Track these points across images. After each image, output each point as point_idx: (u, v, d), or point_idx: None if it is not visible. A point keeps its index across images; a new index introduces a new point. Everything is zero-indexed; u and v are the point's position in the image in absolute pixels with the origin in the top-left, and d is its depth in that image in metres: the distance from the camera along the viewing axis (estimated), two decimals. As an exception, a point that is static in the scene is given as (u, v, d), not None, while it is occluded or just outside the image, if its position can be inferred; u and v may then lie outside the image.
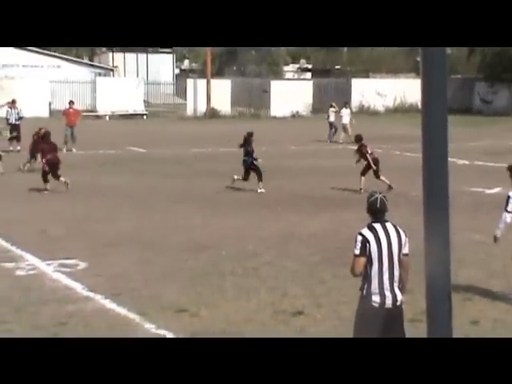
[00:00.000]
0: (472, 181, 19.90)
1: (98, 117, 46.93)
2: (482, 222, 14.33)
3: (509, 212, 9.82)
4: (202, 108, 49.15)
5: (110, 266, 11.81)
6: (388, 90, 52.48)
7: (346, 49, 76.23)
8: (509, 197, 9.85)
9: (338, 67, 70.94)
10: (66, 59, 54.16)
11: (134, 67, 66.04)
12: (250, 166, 19.33)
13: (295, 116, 49.51)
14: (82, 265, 11.92)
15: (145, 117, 48.28)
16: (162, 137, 34.97)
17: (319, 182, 20.79)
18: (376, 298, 6.59)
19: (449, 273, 2.51)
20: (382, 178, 19.04)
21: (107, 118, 47.17)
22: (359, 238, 6.65)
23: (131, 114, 47.79)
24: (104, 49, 70.86)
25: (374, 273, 6.61)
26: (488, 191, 18.64)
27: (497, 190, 19.16)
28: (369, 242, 6.59)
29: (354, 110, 53.67)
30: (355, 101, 55.24)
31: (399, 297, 6.67)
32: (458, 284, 10.48)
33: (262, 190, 19.10)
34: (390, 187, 18.34)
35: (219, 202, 17.76)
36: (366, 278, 6.67)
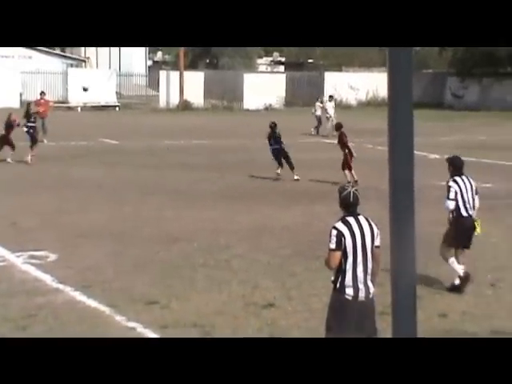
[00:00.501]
0: (442, 175, 19.93)
1: (69, 108, 46.63)
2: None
3: (450, 199, 10.16)
4: (174, 100, 49.02)
5: (80, 258, 11.75)
6: (360, 84, 52.72)
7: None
8: (449, 186, 10.24)
9: (310, 61, 71.05)
10: (38, 50, 53.70)
11: (106, 58, 65.63)
12: (281, 153, 19.84)
13: (268, 109, 49.54)
14: (52, 256, 11.85)
15: (117, 108, 48.04)
16: (134, 129, 34.83)
17: (292, 175, 20.82)
18: (350, 291, 6.64)
19: (414, 267, 2.53)
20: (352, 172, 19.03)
21: (79, 109, 46.87)
22: (334, 232, 6.67)
23: (103, 106, 47.54)
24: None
25: (348, 266, 6.65)
26: (458, 185, 18.77)
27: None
28: (344, 235, 6.63)
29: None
30: (328, 94, 55.38)
31: (371, 289, 6.72)
32: (426, 278, 10.59)
33: (298, 178, 19.64)
34: (355, 182, 17.97)
35: (192, 195, 17.75)
36: (340, 271, 6.70)
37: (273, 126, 20.33)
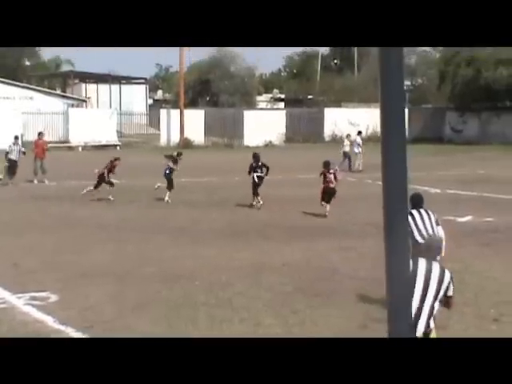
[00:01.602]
0: (444, 209, 20.00)
1: (70, 148, 46.81)
2: (452, 250, 14.44)
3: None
4: (175, 138, 49.25)
5: (82, 298, 11.72)
6: (360, 120, 52.97)
7: (318, 78, 76.84)
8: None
9: (310, 97, 71.44)
10: (39, 90, 54.11)
11: (107, 98, 66.02)
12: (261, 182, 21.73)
13: (268, 145, 49.72)
14: (54, 297, 11.83)
15: (118, 147, 48.22)
16: (135, 167, 34.88)
17: (292, 211, 20.86)
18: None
19: (410, 303, 2.55)
20: (327, 205, 19.84)
21: (80, 149, 47.06)
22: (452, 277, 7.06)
23: (104, 145, 47.72)
24: (77, 80, 70.83)
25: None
26: (459, 219, 18.80)
27: (468, 218, 19.35)
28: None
29: (326, 139, 54.12)
30: (328, 130, 55.66)
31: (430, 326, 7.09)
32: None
33: (256, 204, 21.57)
34: (327, 214, 19.62)
35: (192, 232, 17.75)
36: None
37: (257, 156, 22.01)
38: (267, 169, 21.77)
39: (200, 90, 67.45)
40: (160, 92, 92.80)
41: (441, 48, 59.53)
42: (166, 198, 22.58)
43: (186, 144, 48.42)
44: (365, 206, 19.58)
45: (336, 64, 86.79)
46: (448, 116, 55.75)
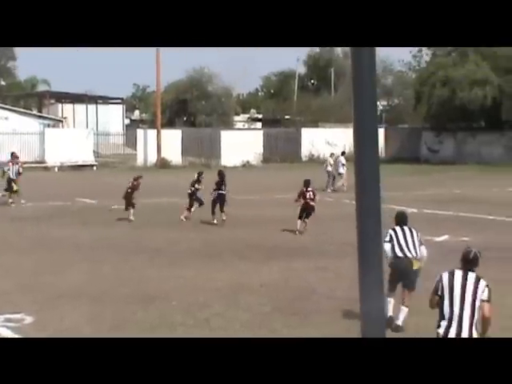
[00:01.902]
0: (420, 229, 20.06)
1: (46, 168, 46.54)
2: (429, 270, 14.47)
3: (385, 242, 11.03)
4: (152, 158, 49.13)
5: (57, 320, 11.61)
6: (337, 140, 53.19)
7: (295, 98, 77.19)
8: (387, 232, 11.16)
9: (287, 117, 71.70)
10: (14, 111, 53.81)
11: (83, 118, 65.86)
12: (222, 199, 22.40)
13: (246, 165, 49.75)
14: (29, 319, 11.70)
15: (94, 167, 48.04)
16: (111, 188, 34.72)
17: (270, 231, 20.85)
18: (440, 329, 7.56)
19: (384, 323, 2.54)
20: (305, 221, 20.52)
21: (56, 169, 46.81)
22: (436, 278, 7.65)
23: (81, 165, 47.51)
24: (53, 100, 70.61)
25: (444, 307, 7.63)
26: (436, 239, 18.86)
27: (444, 237, 19.43)
28: (442, 281, 7.61)
29: (304, 159, 54.26)
30: (305, 150, 55.84)
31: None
32: (407, 331, 10.56)
33: (216, 222, 22.07)
34: (298, 232, 20.39)
35: (169, 253, 17.66)
36: (439, 311, 7.62)
37: (222, 174, 22.65)
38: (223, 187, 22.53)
39: (177, 110, 67.49)
40: (137, 112, 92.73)
41: (417, 67, 60.05)
42: (184, 216, 23.31)
43: (162, 164, 48.31)
44: (342, 226, 19.60)
45: (313, 84, 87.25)
46: (424, 136, 56.14)
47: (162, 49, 47.83)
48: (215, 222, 22.25)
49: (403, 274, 11.17)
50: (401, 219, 11.57)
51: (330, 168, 34.95)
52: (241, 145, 49.95)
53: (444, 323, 7.51)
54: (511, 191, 32.58)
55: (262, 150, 52.40)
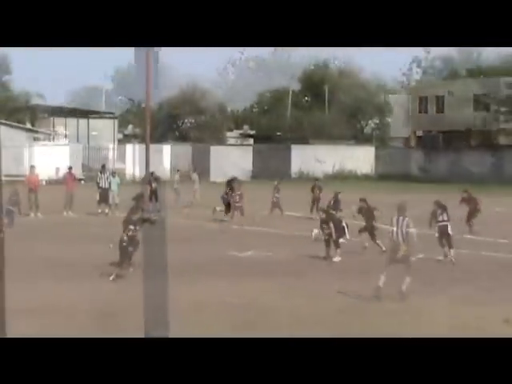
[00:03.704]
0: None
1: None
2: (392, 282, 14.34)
3: None
4: (141, 172, 49.09)
5: None
6: (327, 157, 53.26)
7: (289, 115, 77.35)
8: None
9: (278, 134, 71.85)
10: (4, 124, 53.74)
11: (74, 132, 65.83)
12: None
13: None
14: None
15: (82, 182, 47.89)
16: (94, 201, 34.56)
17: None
18: None
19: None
20: None
21: (43, 182, 46.66)
22: None
23: (68, 180, 47.31)
24: (46, 114, 70.68)
25: None
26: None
27: (420, 256, 19.27)
28: None
29: (293, 176, 54.26)
30: (295, 167, 55.88)
31: None
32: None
33: None
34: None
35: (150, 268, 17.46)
36: None
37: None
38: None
39: (170, 125, 67.64)
40: (130, 127, 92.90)
41: (407, 85, 60.34)
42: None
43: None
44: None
45: (307, 101, 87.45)
46: (415, 155, 56.33)
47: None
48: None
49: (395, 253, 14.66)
50: (399, 210, 14.76)
51: (176, 185, 36.30)
52: (230, 160, 49.97)
53: None
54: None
55: (251, 167, 52.43)
